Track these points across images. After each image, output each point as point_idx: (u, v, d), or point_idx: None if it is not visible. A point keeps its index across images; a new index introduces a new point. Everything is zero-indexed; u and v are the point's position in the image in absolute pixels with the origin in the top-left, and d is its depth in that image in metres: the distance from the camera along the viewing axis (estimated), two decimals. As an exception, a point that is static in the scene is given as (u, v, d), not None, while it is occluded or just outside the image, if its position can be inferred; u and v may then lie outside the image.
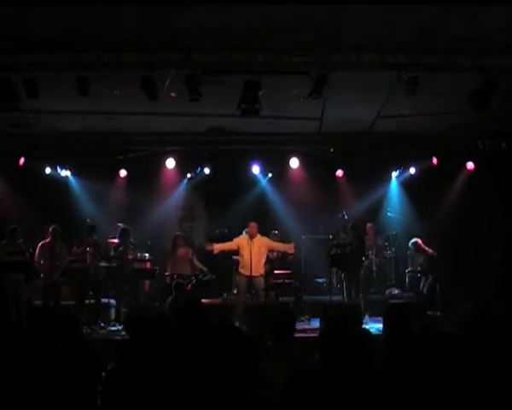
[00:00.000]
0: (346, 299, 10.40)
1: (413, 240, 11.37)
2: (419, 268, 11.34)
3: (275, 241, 10.83)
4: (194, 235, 13.08)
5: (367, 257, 12.09)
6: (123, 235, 10.54)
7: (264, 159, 12.61)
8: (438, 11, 6.46)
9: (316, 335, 9.10)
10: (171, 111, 10.19)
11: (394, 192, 13.19)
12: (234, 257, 10.95)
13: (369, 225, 12.32)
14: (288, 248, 10.63)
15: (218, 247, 10.58)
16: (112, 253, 10.61)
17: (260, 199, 12.93)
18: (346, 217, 11.38)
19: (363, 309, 9.82)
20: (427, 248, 11.17)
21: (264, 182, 13.05)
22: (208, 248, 10.74)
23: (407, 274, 12.07)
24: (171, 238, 11.62)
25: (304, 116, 10.60)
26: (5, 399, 3.11)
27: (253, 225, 10.41)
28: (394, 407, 2.27)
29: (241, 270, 10.38)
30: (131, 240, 10.64)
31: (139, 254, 11.12)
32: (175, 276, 10.79)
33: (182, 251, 11.28)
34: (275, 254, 11.18)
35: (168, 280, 10.73)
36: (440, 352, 2.93)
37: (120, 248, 10.47)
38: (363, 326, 7.36)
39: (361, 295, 10.45)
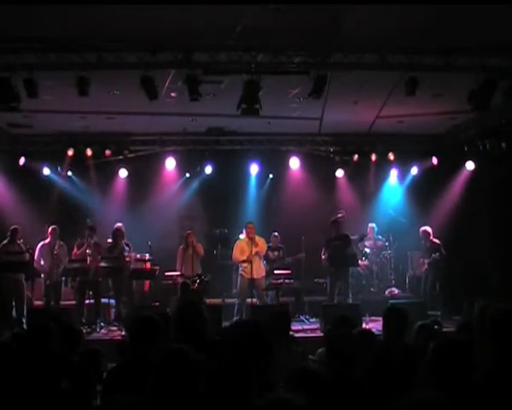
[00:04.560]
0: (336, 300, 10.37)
1: (422, 228, 11.18)
2: (427, 260, 11.01)
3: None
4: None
5: (367, 257, 12.09)
6: (115, 235, 10.51)
7: (264, 159, 12.61)
8: (438, 11, 6.47)
9: (316, 335, 9.14)
10: (171, 111, 10.19)
11: (394, 192, 13.18)
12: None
13: (370, 225, 12.32)
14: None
15: (239, 260, 10.53)
16: (107, 253, 10.52)
17: (260, 199, 12.94)
18: (344, 217, 11.37)
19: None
20: (434, 239, 10.99)
21: (263, 182, 13.06)
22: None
23: (407, 275, 12.10)
24: (180, 237, 11.52)
25: (304, 116, 10.61)
26: (4, 399, 3.10)
27: (251, 226, 10.41)
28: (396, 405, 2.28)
29: (242, 272, 10.38)
30: (126, 241, 10.59)
31: (139, 255, 11.10)
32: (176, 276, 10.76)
33: (198, 248, 11.17)
34: (275, 253, 11.18)
35: (179, 279, 10.47)
36: (440, 351, 2.93)
37: (114, 249, 10.41)
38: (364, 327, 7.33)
39: (350, 296, 10.42)
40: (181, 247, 10.99)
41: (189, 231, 11.17)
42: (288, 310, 7.75)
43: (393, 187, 13.16)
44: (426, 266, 10.95)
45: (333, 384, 2.86)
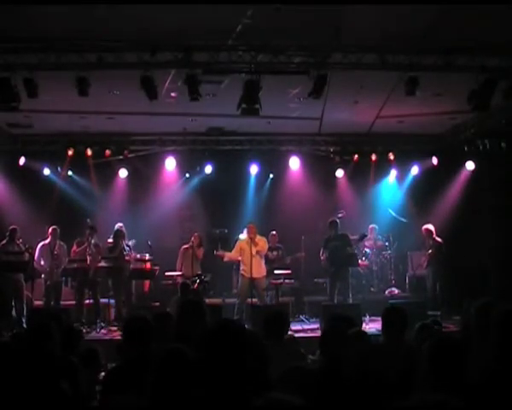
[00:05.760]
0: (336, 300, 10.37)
1: (424, 226, 11.18)
2: (429, 251, 11.01)
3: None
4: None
5: (367, 257, 12.09)
6: (116, 235, 10.51)
7: (264, 159, 12.61)
8: (438, 11, 6.47)
9: (316, 335, 9.14)
10: (171, 111, 10.19)
11: (394, 192, 13.17)
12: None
13: (371, 226, 12.31)
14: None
15: (228, 256, 10.64)
16: (107, 253, 10.52)
17: (260, 199, 12.93)
18: (344, 216, 11.37)
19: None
20: (437, 238, 11.00)
21: (263, 182, 13.06)
22: (219, 254, 10.80)
23: (407, 275, 12.08)
24: (181, 238, 11.54)
25: (304, 116, 10.60)
26: (4, 399, 3.10)
27: (252, 226, 10.42)
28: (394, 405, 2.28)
29: (242, 272, 10.40)
30: (126, 242, 10.58)
31: (139, 255, 11.10)
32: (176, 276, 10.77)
33: (199, 251, 11.24)
34: (274, 253, 11.18)
35: (179, 279, 10.46)
36: (434, 351, 2.93)
37: (115, 249, 10.40)
38: (363, 327, 7.32)
39: (350, 296, 10.41)
40: (184, 246, 11.05)
41: (196, 234, 11.34)
42: (283, 311, 7.74)
43: (393, 187, 13.16)
44: (426, 263, 10.95)
45: (324, 383, 2.87)
